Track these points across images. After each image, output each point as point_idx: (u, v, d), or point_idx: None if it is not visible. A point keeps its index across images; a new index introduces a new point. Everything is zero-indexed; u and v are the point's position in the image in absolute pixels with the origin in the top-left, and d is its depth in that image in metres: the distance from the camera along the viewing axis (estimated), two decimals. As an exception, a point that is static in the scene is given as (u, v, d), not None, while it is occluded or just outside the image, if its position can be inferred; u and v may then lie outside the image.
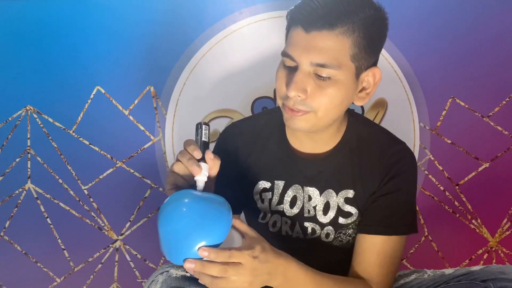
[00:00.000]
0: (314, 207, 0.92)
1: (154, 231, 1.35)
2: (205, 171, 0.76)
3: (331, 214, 0.92)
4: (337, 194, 0.91)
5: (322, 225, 0.93)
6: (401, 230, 0.88)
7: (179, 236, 0.71)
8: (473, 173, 1.34)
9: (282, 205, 0.94)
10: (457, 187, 1.35)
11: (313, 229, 0.94)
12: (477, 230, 1.37)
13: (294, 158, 0.92)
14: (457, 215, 1.36)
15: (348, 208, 0.91)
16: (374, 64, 0.82)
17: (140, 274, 1.38)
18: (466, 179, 1.35)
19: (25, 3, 1.26)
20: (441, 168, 1.34)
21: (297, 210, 0.93)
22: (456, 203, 1.36)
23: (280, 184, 0.93)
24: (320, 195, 0.92)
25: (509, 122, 1.32)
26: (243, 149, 0.95)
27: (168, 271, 0.83)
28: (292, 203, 0.93)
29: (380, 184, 0.88)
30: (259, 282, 0.73)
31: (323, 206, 0.92)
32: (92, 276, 1.38)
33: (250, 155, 0.95)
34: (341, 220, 0.92)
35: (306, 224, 0.94)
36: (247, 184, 0.96)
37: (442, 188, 1.35)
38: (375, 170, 0.89)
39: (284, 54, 0.80)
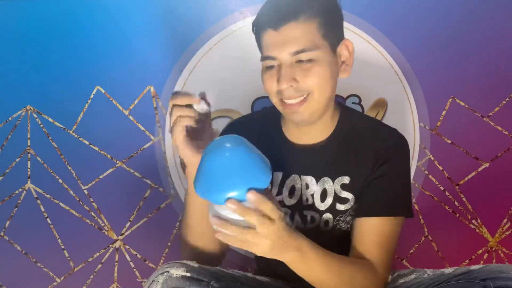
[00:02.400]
0: (312, 195, 0.95)
1: (154, 231, 1.36)
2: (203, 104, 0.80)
3: (329, 200, 0.95)
4: (333, 181, 0.95)
5: (321, 212, 0.96)
6: (398, 212, 0.91)
7: (227, 175, 0.70)
8: (473, 173, 1.34)
9: (281, 195, 0.97)
10: (457, 187, 1.35)
11: (312, 217, 0.96)
12: (477, 230, 1.37)
13: (290, 150, 0.96)
14: (457, 215, 1.36)
15: (345, 194, 0.94)
16: (343, 37, 0.92)
17: (140, 274, 1.38)
18: (466, 179, 1.35)
19: (25, 3, 1.26)
20: (441, 168, 1.34)
21: (296, 199, 0.96)
22: (456, 203, 1.36)
23: (278, 175, 0.97)
24: (317, 183, 0.95)
25: (509, 122, 1.32)
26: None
27: (168, 271, 0.83)
28: (291, 193, 0.96)
29: (373, 168, 0.92)
30: (277, 249, 0.74)
31: (320, 193, 0.95)
32: (92, 276, 1.38)
33: None
34: (339, 206, 0.95)
35: (305, 212, 0.96)
36: None
37: (442, 188, 1.35)
38: (368, 156, 0.93)
39: (264, 58, 0.88)
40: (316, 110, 0.89)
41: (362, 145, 0.94)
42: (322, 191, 0.95)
